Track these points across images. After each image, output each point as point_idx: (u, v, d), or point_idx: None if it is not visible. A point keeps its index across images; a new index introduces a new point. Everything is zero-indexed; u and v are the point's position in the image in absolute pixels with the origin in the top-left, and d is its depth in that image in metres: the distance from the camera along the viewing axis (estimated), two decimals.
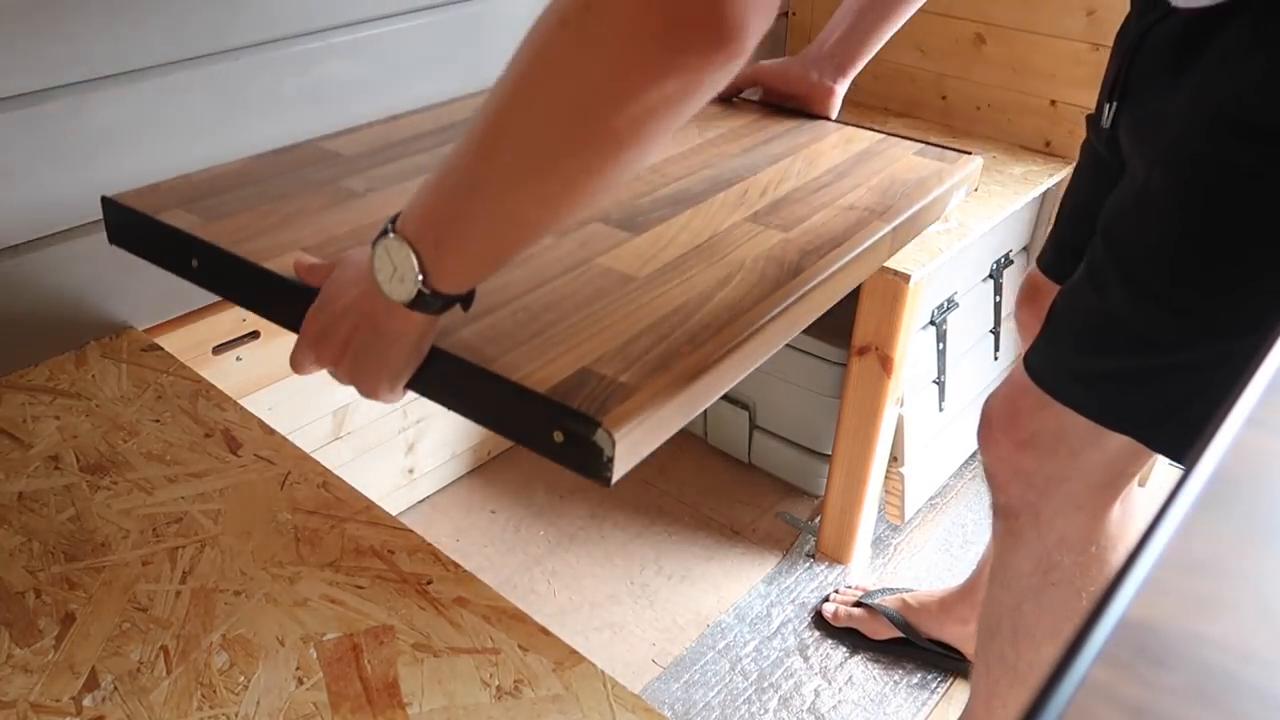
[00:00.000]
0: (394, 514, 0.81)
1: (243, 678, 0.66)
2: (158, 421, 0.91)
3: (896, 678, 1.35)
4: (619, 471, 0.61)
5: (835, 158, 1.07)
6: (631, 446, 0.62)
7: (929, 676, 1.35)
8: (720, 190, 0.97)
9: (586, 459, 0.62)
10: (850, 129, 1.16)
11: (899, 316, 1.30)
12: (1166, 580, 0.24)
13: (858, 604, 1.41)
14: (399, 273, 0.59)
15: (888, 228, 0.91)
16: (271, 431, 0.90)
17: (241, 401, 0.95)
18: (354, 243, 0.81)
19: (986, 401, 0.94)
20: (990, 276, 1.61)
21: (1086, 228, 0.94)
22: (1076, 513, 0.90)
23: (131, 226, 0.85)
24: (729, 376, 0.73)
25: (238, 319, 1.16)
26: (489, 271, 0.62)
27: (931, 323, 1.48)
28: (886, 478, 1.53)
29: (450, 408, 0.69)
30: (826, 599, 1.45)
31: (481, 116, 0.55)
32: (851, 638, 1.39)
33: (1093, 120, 0.97)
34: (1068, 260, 1.05)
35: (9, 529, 0.78)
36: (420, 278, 0.58)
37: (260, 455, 0.87)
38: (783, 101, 1.18)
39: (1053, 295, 0.97)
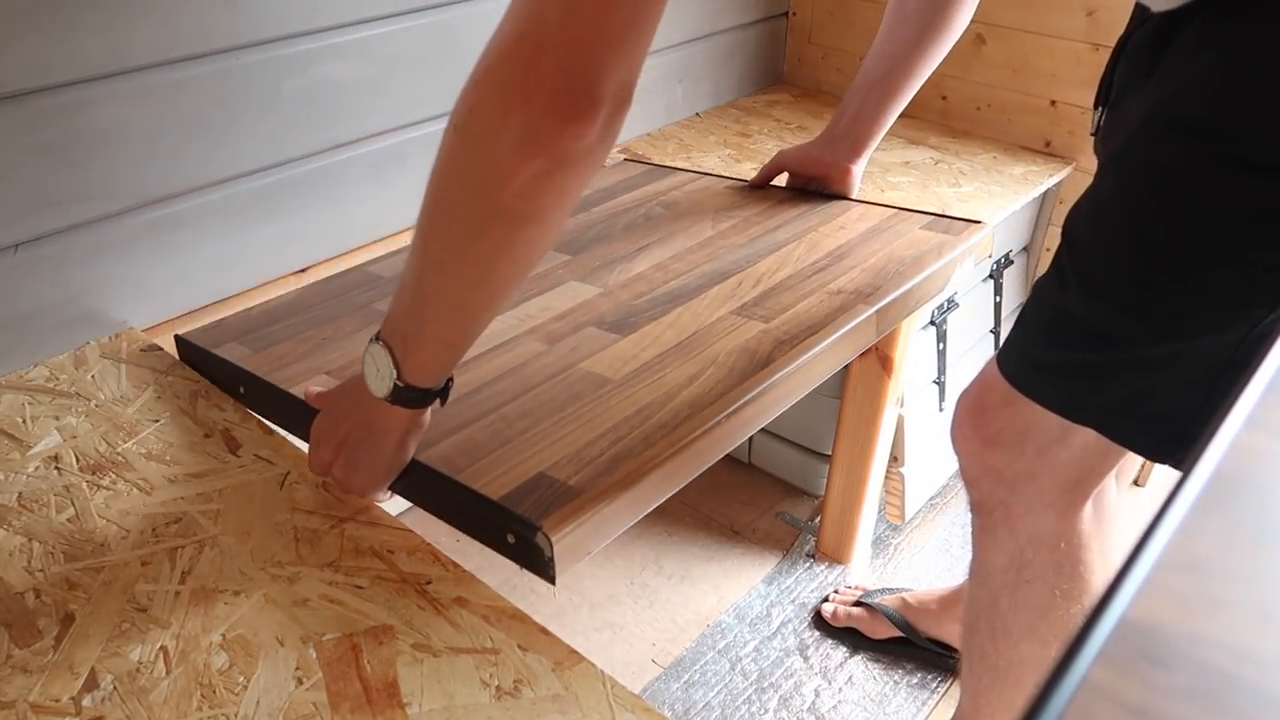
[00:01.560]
0: (393, 514, 0.81)
1: (242, 678, 0.66)
2: (157, 421, 0.91)
3: (896, 677, 1.35)
4: (561, 569, 0.67)
5: (838, 239, 1.08)
6: (571, 547, 0.67)
7: (929, 676, 1.35)
8: (715, 284, 1.00)
9: (532, 559, 0.68)
10: (863, 207, 1.17)
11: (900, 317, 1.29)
12: (1166, 580, 0.24)
13: (857, 603, 1.41)
14: (379, 372, 0.68)
15: (870, 310, 0.92)
16: (271, 432, 0.90)
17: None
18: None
19: (958, 399, 0.95)
20: (990, 277, 1.61)
21: None
22: (1046, 510, 0.90)
23: (198, 355, 0.96)
24: (679, 474, 0.77)
25: None
26: (449, 359, 0.69)
27: (932, 323, 1.48)
28: (887, 478, 1.53)
29: (429, 511, 0.77)
30: (826, 599, 1.45)
31: (418, 222, 0.64)
32: (851, 637, 1.39)
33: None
34: None
35: (8, 529, 0.78)
36: (394, 373, 0.67)
37: (259, 455, 0.87)
38: (805, 184, 1.21)
39: (993, 380, 0.99)
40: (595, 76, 0.55)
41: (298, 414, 0.84)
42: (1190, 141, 0.70)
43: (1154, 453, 0.82)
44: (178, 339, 0.97)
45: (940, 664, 1.35)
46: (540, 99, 0.55)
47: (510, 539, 0.69)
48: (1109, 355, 0.79)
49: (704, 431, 0.77)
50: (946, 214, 1.17)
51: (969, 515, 0.99)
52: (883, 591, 1.43)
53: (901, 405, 1.44)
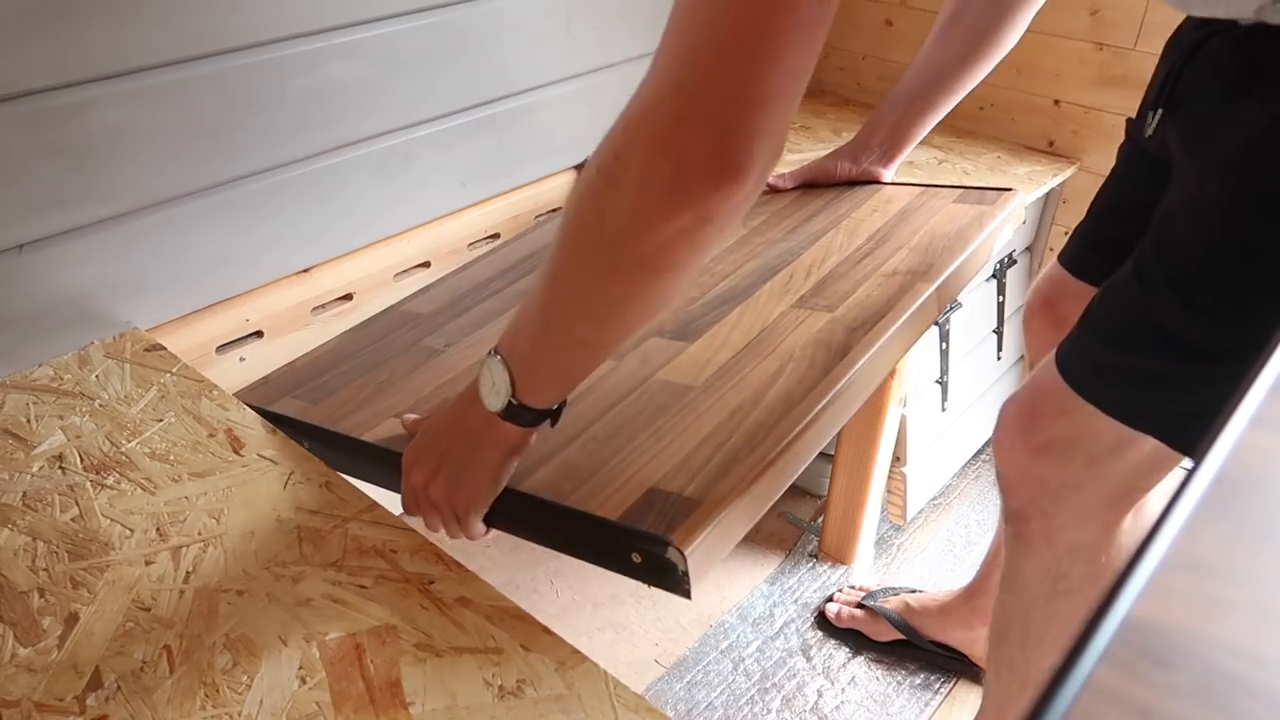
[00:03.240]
0: (397, 514, 0.81)
1: (246, 677, 0.66)
2: (161, 421, 0.91)
3: (900, 678, 1.35)
4: (696, 581, 0.65)
5: (876, 223, 1.07)
6: (703, 557, 0.66)
7: (932, 677, 1.35)
8: (766, 280, 0.98)
9: (664, 576, 0.66)
10: (889, 189, 1.16)
11: None
12: (1171, 581, 0.24)
13: (860, 605, 1.41)
14: (495, 386, 0.68)
15: (931, 288, 0.91)
16: (274, 431, 0.90)
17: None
18: (441, 399, 0.88)
19: (1004, 405, 0.93)
20: (993, 276, 1.61)
21: (1121, 225, 0.92)
22: (1089, 522, 0.89)
23: (274, 421, 0.94)
24: (790, 470, 0.76)
25: (241, 319, 1.16)
26: (565, 387, 0.70)
27: (934, 323, 1.48)
28: (889, 478, 1.53)
29: (536, 541, 0.75)
30: (830, 599, 1.44)
31: (550, 255, 0.64)
32: (854, 638, 1.39)
33: (1135, 124, 0.96)
34: (1095, 257, 1.03)
35: (13, 528, 0.78)
36: (510, 389, 0.67)
37: (263, 455, 0.87)
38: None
39: (1074, 294, 0.95)
40: (751, 135, 0.53)
41: (372, 460, 0.82)
42: None
43: None
44: (252, 404, 0.95)
45: (943, 665, 1.35)
46: (694, 155, 0.53)
47: (637, 559, 0.67)
48: (1189, 366, 0.78)
49: (804, 426, 0.75)
50: (973, 185, 1.16)
51: (1004, 525, 0.97)
52: (885, 592, 1.42)
53: (904, 405, 1.44)
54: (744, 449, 0.73)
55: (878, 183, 1.17)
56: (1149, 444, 0.82)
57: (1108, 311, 0.85)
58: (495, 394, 0.68)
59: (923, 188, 1.15)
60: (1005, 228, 1.06)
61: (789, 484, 0.76)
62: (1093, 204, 1.07)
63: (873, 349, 0.84)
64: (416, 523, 0.80)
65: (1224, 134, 0.76)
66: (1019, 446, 0.90)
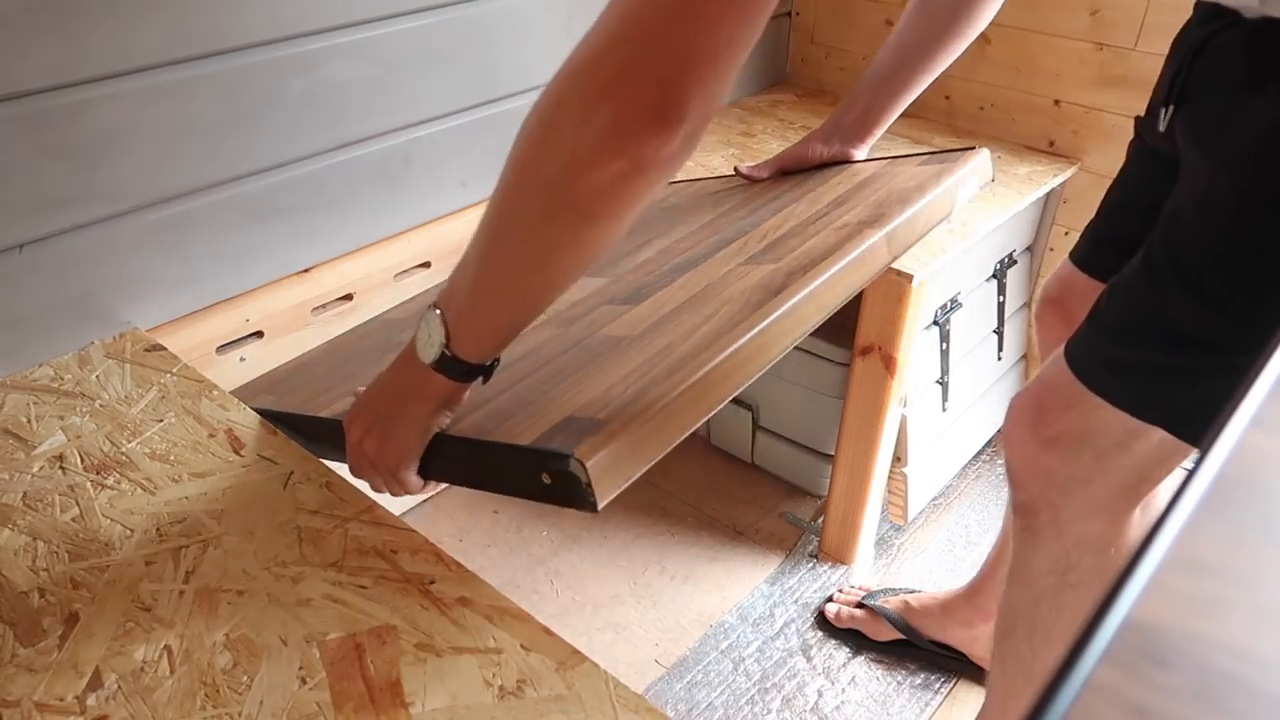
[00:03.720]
0: (397, 514, 0.81)
1: (246, 677, 0.66)
2: (161, 421, 0.91)
3: (900, 678, 1.35)
4: (602, 496, 0.66)
5: (838, 190, 1.07)
6: (606, 469, 0.67)
7: (932, 677, 1.35)
8: (722, 248, 0.99)
9: (570, 491, 0.67)
10: (858, 165, 1.17)
11: (902, 317, 1.29)
12: (1170, 581, 0.24)
13: (860, 605, 1.41)
14: (430, 338, 0.69)
15: (880, 233, 0.91)
16: (275, 431, 0.90)
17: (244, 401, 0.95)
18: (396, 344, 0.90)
19: (1013, 399, 0.94)
20: (994, 276, 1.61)
21: (1132, 223, 0.92)
22: (1097, 514, 0.89)
23: (275, 420, 0.96)
24: (709, 397, 0.76)
25: (241, 319, 1.16)
26: (499, 339, 0.71)
27: (935, 323, 1.48)
28: (889, 478, 1.53)
29: (462, 483, 0.77)
30: (829, 599, 1.44)
31: (488, 204, 0.65)
32: (854, 638, 1.39)
33: (1145, 122, 0.96)
34: (1107, 255, 1.04)
35: (13, 529, 0.78)
36: (444, 341, 0.68)
37: (263, 455, 0.87)
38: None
39: (1085, 292, 0.95)
40: (688, 90, 0.56)
41: (332, 434, 0.83)
42: None
43: None
44: (262, 414, 0.98)
45: (943, 665, 1.35)
46: (630, 103, 0.56)
47: (546, 479, 0.68)
48: (1199, 359, 0.78)
49: (726, 356, 0.75)
50: (942, 149, 1.16)
51: (1012, 517, 0.98)
52: (885, 592, 1.42)
53: (904, 405, 1.44)
54: (662, 376, 0.74)
55: (849, 161, 1.17)
56: (1157, 437, 0.82)
57: (1116, 307, 0.85)
58: (429, 345, 0.69)
59: (891, 159, 1.15)
60: (970, 181, 1.05)
61: (707, 414, 0.76)
62: (1103, 202, 1.08)
63: (808, 288, 0.83)
64: (418, 523, 0.80)
65: (1235, 129, 0.76)
66: (1028, 439, 0.91)
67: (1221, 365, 0.77)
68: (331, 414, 0.86)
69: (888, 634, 1.37)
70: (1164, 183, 0.87)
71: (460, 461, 0.75)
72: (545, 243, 0.63)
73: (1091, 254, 1.07)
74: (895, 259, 0.95)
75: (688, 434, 0.74)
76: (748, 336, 0.78)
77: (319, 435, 0.88)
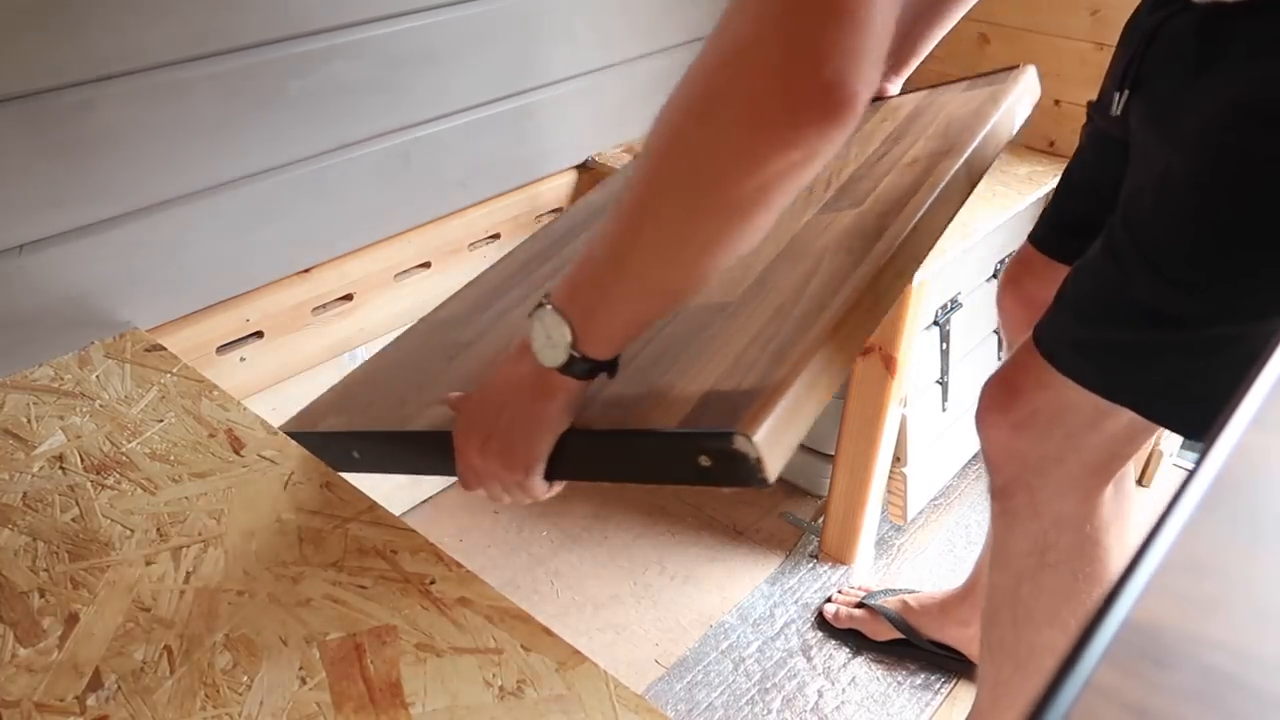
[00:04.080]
0: (397, 514, 0.81)
1: (246, 678, 0.66)
2: (161, 421, 0.91)
3: (900, 678, 1.35)
4: (772, 470, 0.61)
5: (887, 129, 1.05)
6: (774, 441, 0.62)
7: (932, 677, 1.35)
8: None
9: (735, 470, 0.63)
10: (896, 99, 1.14)
11: (902, 317, 1.29)
12: (1169, 582, 0.24)
13: (859, 605, 1.41)
14: (552, 340, 0.65)
15: (958, 162, 0.87)
16: (275, 431, 0.90)
17: (245, 401, 0.95)
18: (479, 379, 0.83)
19: (985, 383, 0.94)
20: (994, 276, 1.61)
21: (1087, 205, 0.93)
22: (1072, 492, 0.91)
23: (308, 443, 0.91)
24: (848, 350, 0.71)
25: (241, 319, 1.16)
26: (633, 335, 0.67)
27: (935, 323, 1.48)
28: (890, 478, 1.53)
29: (596, 479, 0.73)
30: (829, 599, 1.44)
31: (624, 199, 0.61)
32: (854, 638, 1.39)
33: (1097, 107, 0.98)
34: (1064, 236, 1.06)
35: (13, 529, 0.78)
36: (570, 341, 0.64)
37: (263, 455, 0.87)
38: None
39: (1042, 273, 0.96)
40: (856, 71, 0.52)
41: (428, 450, 0.78)
42: (1273, 131, 0.71)
43: (1189, 431, 0.84)
44: (294, 436, 0.91)
45: (943, 665, 1.35)
46: (803, 90, 0.52)
47: (705, 461, 0.64)
48: (1162, 336, 0.80)
49: (854, 305, 0.72)
50: (983, 73, 1.12)
51: (989, 502, 0.98)
52: (885, 593, 1.42)
53: (904, 405, 1.44)
54: (794, 336, 0.69)
55: (884, 98, 1.15)
56: (1126, 415, 0.84)
57: (1082, 289, 0.87)
58: (552, 348, 0.65)
59: (931, 89, 1.12)
60: (1023, 101, 1.02)
61: (849, 365, 0.72)
62: (1059, 185, 1.10)
63: (912, 222, 0.79)
64: (418, 523, 0.80)
65: (1188, 112, 0.78)
66: (1001, 422, 0.92)
67: (1187, 341, 0.79)
68: (429, 426, 0.79)
69: (887, 634, 1.37)
70: (1118, 165, 0.89)
71: (592, 458, 0.71)
72: (698, 241, 0.59)
73: (1048, 235, 1.09)
74: (974, 187, 0.91)
75: (835, 391, 0.71)
76: (870, 280, 0.74)
77: (412, 451, 0.81)
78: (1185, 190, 0.78)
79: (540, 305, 0.66)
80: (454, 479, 0.76)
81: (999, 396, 0.92)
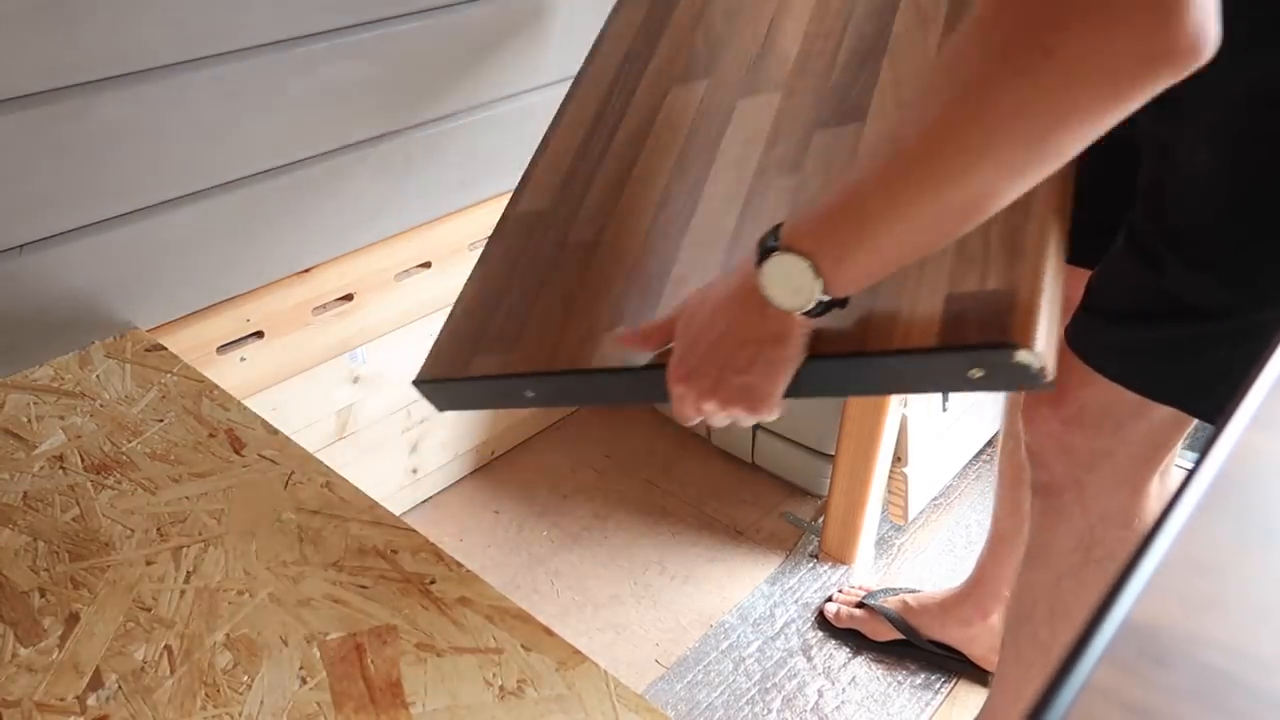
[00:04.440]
0: (397, 514, 0.81)
1: (246, 677, 0.66)
2: (161, 421, 0.91)
3: (900, 678, 1.35)
4: (1052, 371, 0.60)
5: None
6: (1048, 342, 0.60)
7: (932, 677, 1.35)
8: (890, 15, 0.88)
9: (1010, 378, 0.61)
10: None
11: None
12: (1169, 581, 0.24)
13: (859, 605, 1.41)
14: (793, 284, 0.63)
15: None
16: (275, 431, 0.90)
17: (245, 401, 0.95)
18: (635, 293, 0.80)
19: None
20: None
21: (1102, 205, 0.93)
22: (1120, 488, 0.90)
23: (453, 391, 0.84)
24: (1065, 216, 0.69)
25: (241, 319, 1.16)
26: (886, 275, 0.64)
27: None
28: (890, 478, 1.53)
29: (842, 395, 0.69)
30: (829, 599, 1.44)
31: (916, 146, 0.58)
32: (854, 638, 1.39)
33: None
34: (1081, 240, 1.04)
35: (14, 529, 0.78)
36: (820, 286, 0.62)
37: (264, 455, 0.87)
38: None
39: (1066, 278, 0.95)
40: (1212, 20, 0.51)
41: (618, 384, 0.75)
42: None
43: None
44: (418, 383, 0.85)
45: (943, 665, 1.35)
46: (1168, 48, 0.50)
47: (977, 374, 0.61)
48: (1199, 329, 0.79)
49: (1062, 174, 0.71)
50: None
51: (1031, 500, 0.97)
52: (885, 592, 1.43)
53: (905, 405, 1.44)
54: (1018, 219, 0.65)
55: None
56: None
57: (1111, 290, 0.86)
58: (795, 293, 0.63)
59: None
60: None
61: (1066, 233, 0.69)
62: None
63: None
64: (418, 523, 0.80)
65: (1207, 101, 0.77)
66: (1051, 417, 0.91)
67: (1225, 332, 0.78)
68: (615, 364, 0.75)
69: (887, 634, 1.37)
70: (1127, 162, 0.88)
71: (838, 381, 0.69)
72: (998, 185, 0.57)
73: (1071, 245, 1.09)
74: None
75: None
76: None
77: (595, 387, 0.78)
78: (1212, 181, 0.77)
79: (771, 250, 0.63)
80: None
81: (1047, 394, 0.91)
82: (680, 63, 1.03)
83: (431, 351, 0.86)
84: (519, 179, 1.03)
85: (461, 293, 0.91)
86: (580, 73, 1.11)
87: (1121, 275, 0.84)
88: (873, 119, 0.80)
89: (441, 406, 0.86)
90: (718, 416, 0.72)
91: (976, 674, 1.34)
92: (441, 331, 0.88)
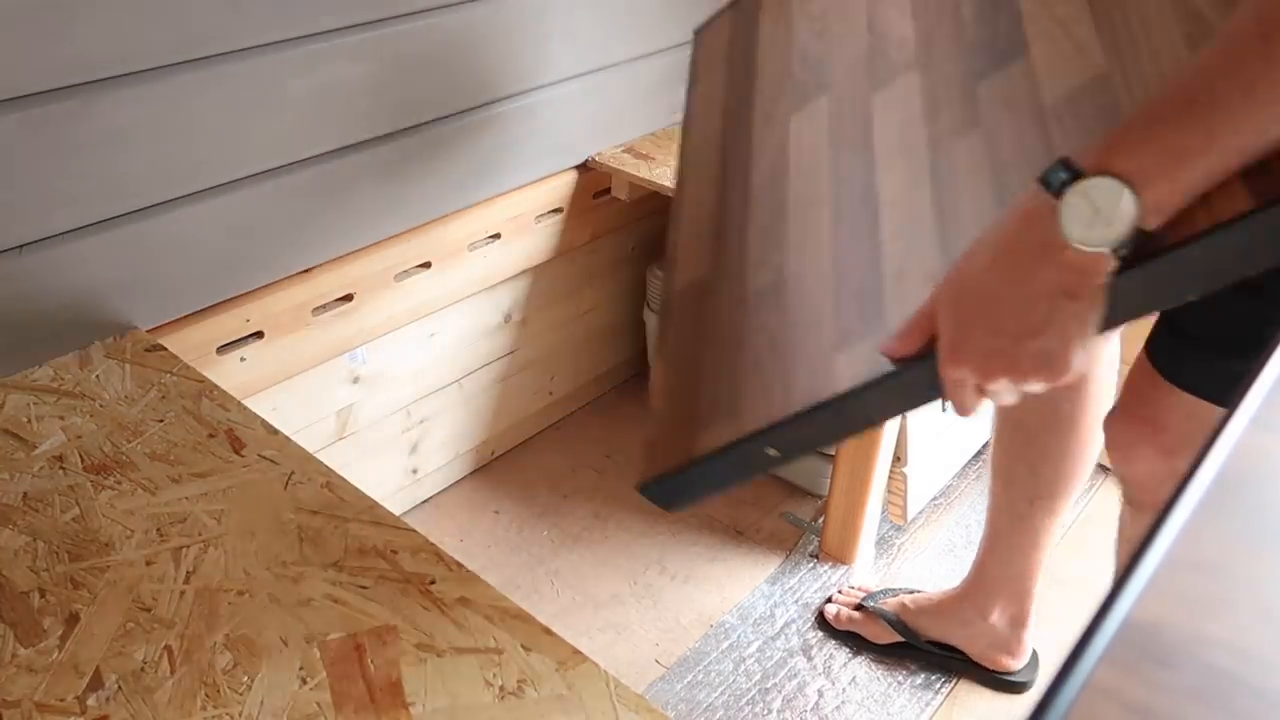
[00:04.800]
0: (397, 514, 0.81)
1: (246, 678, 0.66)
2: (161, 422, 0.91)
3: (900, 678, 1.35)
4: None
5: None
6: None
7: (933, 677, 1.35)
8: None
9: None
10: None
11: None
12: (1170, 581, 0.24)
13: (858, 607, 1.41)
14: (1103, 214, 0.55)
15: None
16: (275, 431, 0.90)
17: (245, 401, 0.95)
18: (853, 308, 0.72)
19: (1111, 419, 0.94)
20: None
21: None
22: None
23: (683, 483, 0.75)
24: None
25: (241, 319, 1.16)
26: (1209, 187, 0.57)
27: None
28: (890, 478, 1.53)
29: (1143, 316, 0.63)
30: (829, 600, 1.44)
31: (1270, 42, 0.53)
32: (854, 640, 1.39)
33: None
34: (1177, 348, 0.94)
35: (14, 529, 0.78)
36: (1137, 213, 0.55)
37: (264, 455, 0.87)
38: None
39: (1167, 401, 0.89)
40: None
41: (874, 396, 0.67)
42: None
43: None
44: (642, 486, 0.76)
45: (944, 665, 1.35)
46: None
47: None
48: None
49: None
50: None
51: (1139, 516, 0.98)
52: (885, 593, 1.42)
53: None
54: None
55: None
56: None
57: (1217, 321, 0.83)
58: (1105, 224, 0.55)
59: None
60: None
61: None
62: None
63: None
64: (418, 523, 0.80)
65: None
66: (1152, 454, 0.91)
67: None
68: (852, 383, 0.67)
69: (887, 637, 1.37)
70: None
71: (1149, 301, 0.61)
72: None
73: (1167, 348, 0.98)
74: None
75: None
76: None
77: (847, 413, 0.68)
78: None
79: (1069, 181, 0.56)
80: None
81: (1141, 431, 0.91)
82: (787, 95, 0.98)
83: (645, 454, 0.79)
84: (665, 261, 0.97)
85: (651, 387, 0.86)
86: (682, 151, 1.07)
87: (1230, 307, 0.79)
88: (1036, 47, 0.74)
89: (674, 506, 0.78)
90: (1006, 395, 0.62)
91: (977, 673, 1.34)
92: (648, 431, 0.82)
